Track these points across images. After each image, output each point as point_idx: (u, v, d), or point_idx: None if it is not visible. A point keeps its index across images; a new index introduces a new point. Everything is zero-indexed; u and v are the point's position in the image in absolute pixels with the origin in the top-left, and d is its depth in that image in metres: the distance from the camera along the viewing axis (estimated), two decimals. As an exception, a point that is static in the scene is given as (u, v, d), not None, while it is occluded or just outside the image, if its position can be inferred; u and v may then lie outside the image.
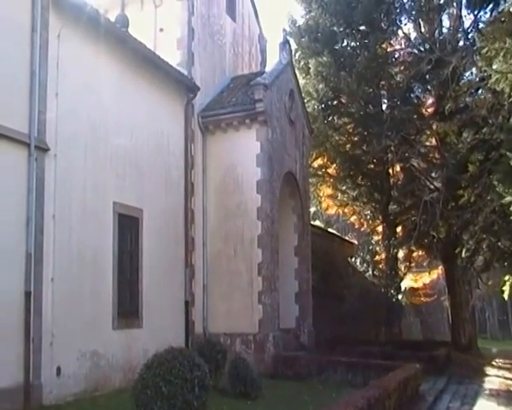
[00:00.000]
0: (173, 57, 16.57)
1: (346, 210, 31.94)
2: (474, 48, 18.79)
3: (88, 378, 12.05)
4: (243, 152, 16.89)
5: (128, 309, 13.65)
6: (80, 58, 12.45)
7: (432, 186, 25.20)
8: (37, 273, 10.91)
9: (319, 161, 28.34)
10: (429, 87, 24.94)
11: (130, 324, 13.69)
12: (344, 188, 29.36)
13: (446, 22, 26.65)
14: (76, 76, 12.28)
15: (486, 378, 18.78)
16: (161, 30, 17.17)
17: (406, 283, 31.56)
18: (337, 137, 26.95)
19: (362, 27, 24.28)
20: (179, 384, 8.41)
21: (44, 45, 11.42)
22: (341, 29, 24.58)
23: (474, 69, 21.58)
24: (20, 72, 10.93)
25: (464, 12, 24.57)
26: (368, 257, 29.83)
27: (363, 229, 33.28)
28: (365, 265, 29.91)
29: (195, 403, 8.46)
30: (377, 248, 30.10)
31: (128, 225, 13.88)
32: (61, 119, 11.80)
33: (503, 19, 14.28)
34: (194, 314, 16.29)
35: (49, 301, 11.15)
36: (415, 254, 30.60)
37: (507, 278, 25.93)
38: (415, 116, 24.50)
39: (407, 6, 24.23)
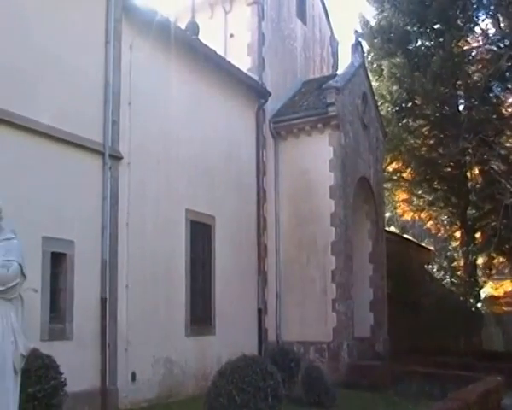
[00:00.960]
0: (244, 63, 16.53)
1: (422, 215, 31.02)
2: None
3: (161, 385, 12.15)
4: (316, 157, 16.63)
5: (201, 316, 13.69)
6: (152, 67, 12.61)
7: (513, 189, 24.12)
8: (113, 280, 11.13)
9: (394, 166, 27.68)
10: (509, 85, 23.91)
11: (203, 331, 13.72)
12: (420, 192, 28.55)
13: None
14: (148, 85, 12.45)
15: None
16: (231, 36, 17.18)
17: (486, 291, 30.31)
18: (412, 141, 26.25)
19: (436, 26, 23.59)
20: (252, 393, 8.29)
21: (117, 56, 11.65)
22: (415, 28, 23.98)
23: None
24: (94, 83, 11.17)
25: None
26: (445, 264, 28.83)
27: (440, 234, 32.25)
28: (443, 272, 28.91)
29: (268, 413, 8.32)
30: (455, 255, 29.08)
31: (200, 232, 13.93)
32: (134, 127, 11.98)
33: None
34: (267, 322, 16.16)
35: (123, 307, 11.33)
36: (495, 261, 29.36)
37: None
38: (494, 116, 23.57)
39: (485, 1, 23.34)
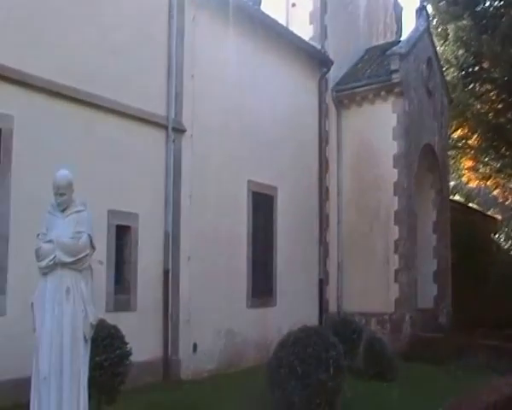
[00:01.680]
0: (306, 32, 16.27)
1: (488, 183, 30.16)
2: None
3: (222, 355, 12.32)
4: (379, 125, 16.34)
5: (262, 288, 13.73)
6: (214, 39, 12.55)
7: None
8: (175, 252, 11.31)
9: (459, 132, 26.86)
10: None
11: (264, 302, 13.78)
12: (486, 159, 27.67)
13: None
14: (210, 57, 12.41)
15: None
16: (293, 5, 16.92)
17: (557, 261, 29.34)
18: (479, 106, 25.40)
19: (506, -15, 22.60)
20: (314, 364, 8.25)
21: (181, 28, 11.67)
22: (483, -11, 23.07)
23: None
24: (158, 56, 11.26)
25: None
26: (513, 233, 28.07)
27: (507, 203, 31.32)
28: (510, 241, 28.14)
29: (330, 384, 8.28)
30: (524, 224, 28.24)
31: (262, 203, 13.91)
32: (197, 100, 12.00)
33: None
34: (328, 293, 16.13)
35: (185, 279, 11.50)
36: None
37: None
38: None
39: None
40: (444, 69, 21.39)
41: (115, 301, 9.97)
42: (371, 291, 15.82)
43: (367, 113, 16.66)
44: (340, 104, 17.02)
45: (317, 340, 8.47)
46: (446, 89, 19.85)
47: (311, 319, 14.24)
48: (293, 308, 14.09)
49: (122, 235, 10.42)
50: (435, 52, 19.15)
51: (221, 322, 12.33)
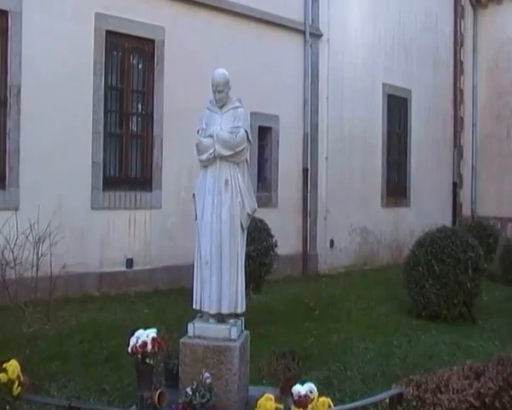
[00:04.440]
0: None
1: None
2: None
3: (357, 253, 12.33)
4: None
5: (396, 188, 13.44)
6: None
7: None
8: (313, 152, 11.30)
9: None
10: None
11: (398, 202, 13.50)
12: None
13: None
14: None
15: None
16: None
17: None
18: None
19: None
20: (452, 264, 7.99)
21: None
22: None
23: None
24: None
25: None
26: None
27: None
28: None
29: (468, 285, 8.01)
30: None
31: (397, 106, 13.42)
32: (333, 4, 11.66)
33: None
34: (461, 196, 15.48)
35: (323, 178, 11.52)
36: None
37: None
38: None
39: None
40: None
41: (258, 198, 10.00)
42: (507, 196, 14.89)
43: (507, 11, 15.21)
44: (478, 3, 15.68)
45: (455, 241, 8.12)
46: None
47: (445, 221, 13.72)
48: (426, 210, 13.64)
49: (264, 136, 10.52)
50: None
51: (356, 220, 12.27)
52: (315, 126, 11.32)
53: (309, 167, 11.16)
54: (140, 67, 9.06)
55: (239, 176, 4.66)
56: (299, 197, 11.06)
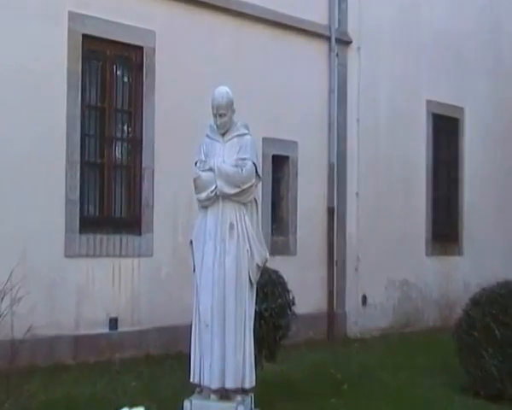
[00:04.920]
0: None
1: None
2: None
3: (396, 311, 12.34)
4: None
5: (445, 232, 13.48)
6: None
7: None
8: (341, 186, 11.46)
9: None
10: None
11: (448, 250, 13.53)
12: None
13: None
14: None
15: None
16: None
17: None
18: None
19: None
20: (520, 329, 7.97)
21: None
22: None
23: None
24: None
25: None
26: None
27: None
28: None
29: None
30: None
31: (445, 128, 13.56)
32: (365, 5, 11.80)
33: None
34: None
35: (353, 219, 11.64)
36: None
37: None
38: None
39: None
40: None
41: (272, 243, 10.24)
42: None
43: None
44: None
45: (521, 299, 8.11)
46: None
47: (508, 275, 13.69)
48: (485, 259, 13.52)
49: (279, 167, 10.69)
50: None
51: (395, 271, 12.30)
52: (342, 155, 11.48)
53: (335, 206, 11.29)
54: (126, 80, 9.22)
55: (246, 219, 4.78)
56: (323, 243, 11.16)
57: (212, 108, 4.93)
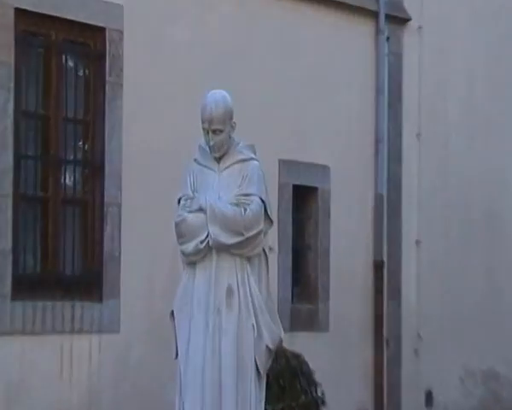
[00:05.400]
0: None
1: None
2: None
3: (479, 414, 12.41)
4: None
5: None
6: None
7: None
8: (393, 231, 11.57)
9: None
10: None
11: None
12: None
13: None
14: None
15: None
16: None
17: None
18: None
19: None
20: None
21: None
22: None
23: None
24: None
25: None
26: None
27: None
28: None
29: None
30: None
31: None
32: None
33: None
34: None
35: (411, 278, 11.73)
36: None
37: None
38: None
39: None
40: None
41: (293, 315, 10.32)
42: None
43: None
44: None
45: None
46: None
47: None
48: None
49: (304, 202, 10.79)
50: None
51: (475, 356, 12.34)
52: (396, 185, 11.60)
53: (385, 258, 11.38)
54: (80, 76, 9.18)
55: (251, 281, 4.81)
56: (367, 313, 11.24)
57: (203, 121, 4.91)
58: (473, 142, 12.57)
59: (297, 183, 10.60)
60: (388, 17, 11.49)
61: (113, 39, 9.13)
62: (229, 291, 4.78)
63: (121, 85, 9.20)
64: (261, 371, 4.90)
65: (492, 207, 12.79)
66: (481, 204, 12.65)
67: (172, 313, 4.90)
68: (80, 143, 9.33)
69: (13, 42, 8.36)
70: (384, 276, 11.38)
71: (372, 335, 11.28)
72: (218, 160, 4.96)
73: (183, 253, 4.87)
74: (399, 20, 11.72)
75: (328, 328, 10.81)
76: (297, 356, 7.70)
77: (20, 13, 8.37)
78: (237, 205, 4.78)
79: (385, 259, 11.41)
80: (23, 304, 8.49)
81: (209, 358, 4.72)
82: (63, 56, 9.00)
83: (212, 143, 4.90)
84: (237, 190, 4.85)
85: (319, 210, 10.89)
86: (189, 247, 4.78)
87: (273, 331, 4.95)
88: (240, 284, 4.81)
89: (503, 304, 12.81)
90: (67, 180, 9.19)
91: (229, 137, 5.00)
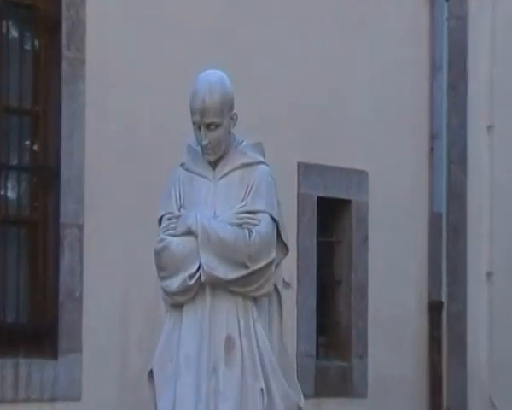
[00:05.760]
0: None
1: None
2: None
3: None
4: None
5: None
6: None
7: None
8: (456, 260, 11.59)
9: None
10: None
11: None
12: None
13: None
14: None
15: None
16: None
17: None
18: None
19: None
20: None
21: None
22: None
23: None
24: None
25: None
26: None
27: None
28: None
29: None
30: None
31: None
32: None
33: None
34: None
35: (481, 323, 11.78)
36: None
37: None
38: None
39: None
40: None
41: (318, 374, 10.36)
42: None
43: None
44: None
45: None
46: None
47: None
48: None
49: (332, 220, 10.92)
50: None
51: None
52: (459, 198, 11.66)
53: (444, 298, 11.42)
54: (27, 50, 9.26)
55: (258, 328, 4.80)
56: (419, 374, 11.30)
57: (193, 112, 4.83)
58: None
59: (323, 194, 10.65)
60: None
61: (71, 4, 9.10)
62: (229, 343, 4.75)
63: (83, 62, 9.20)
64: (276, 450, 4.89)
65: None
66: None
67: (151, 372, 4.89)
68: (27, 141, 9.33)
69: None
70: (443, 322, 11.37)
71: (427, 403, 11.31)
72: (214, 164, 4.90)
73: (165, 291, 4.83)
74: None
75: (367, 393, 10.86)
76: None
77: None
78: (240, 226, 4.74)
79: (444, 299, 11.42)
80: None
81: (201, 433, 4.70)
82: (5, 24, 8.97)
83: (205, 143, 4.81)
84: (239, 205, 4.81)
85: (353, 231, 10.94)
86: (174, 283, 4.73)
87: (289, 398, 4.90)
88: (243, 333, 4.77)
89: None
90: (9, 192, 9.21)
91: (229, 134, 4.94)
